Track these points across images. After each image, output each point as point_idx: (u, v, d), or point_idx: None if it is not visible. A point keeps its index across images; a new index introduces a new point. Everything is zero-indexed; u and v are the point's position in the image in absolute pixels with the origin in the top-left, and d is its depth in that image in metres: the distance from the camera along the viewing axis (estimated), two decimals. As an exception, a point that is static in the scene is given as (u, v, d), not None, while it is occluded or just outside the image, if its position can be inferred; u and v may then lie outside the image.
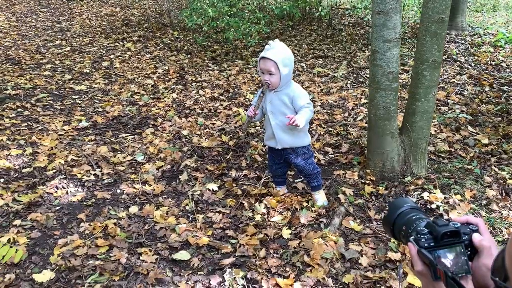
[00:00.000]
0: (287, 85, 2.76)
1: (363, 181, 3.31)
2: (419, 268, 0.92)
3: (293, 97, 2.75)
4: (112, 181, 3.53)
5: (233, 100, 5.21)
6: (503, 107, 4.77)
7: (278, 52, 2.64)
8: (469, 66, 6.30)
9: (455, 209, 2.91)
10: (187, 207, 3.16)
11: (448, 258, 0.90)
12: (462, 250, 0.91)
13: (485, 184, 3.19)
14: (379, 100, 3.12)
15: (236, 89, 5.59)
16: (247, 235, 2.81)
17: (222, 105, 5.06)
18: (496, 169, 3.44)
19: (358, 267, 2.54)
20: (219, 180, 3.49)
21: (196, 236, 2.83)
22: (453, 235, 0.91)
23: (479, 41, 7.53)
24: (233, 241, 2.78)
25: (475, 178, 3.28)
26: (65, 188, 3.39)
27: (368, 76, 6.03)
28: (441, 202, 3.00)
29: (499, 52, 7.05)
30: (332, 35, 8.50)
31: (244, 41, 7.27)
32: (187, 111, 4.95)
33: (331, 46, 7.69)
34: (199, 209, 3.14)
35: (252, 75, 6.17)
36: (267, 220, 2.96)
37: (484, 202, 2.99)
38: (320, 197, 3.07)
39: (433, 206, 2.97)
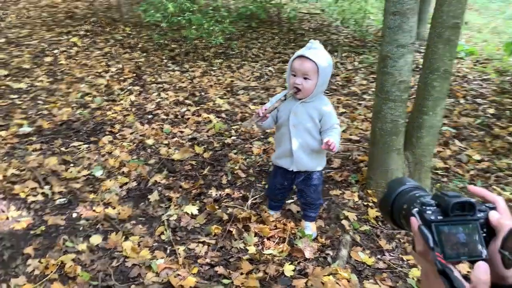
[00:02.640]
0: (319, 97, 2.29)
1: (365, 203, 2.93)
2: (420, 248, 0.74)
3: (324, 114, 2.26)
4: (66, 202, 2.89)
5: (201, 105, 4.67)
6: (483, 120, 4.62)
7: (321, 54, 2.18)
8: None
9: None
10: (162, 236, 2.61)
11: (458, 236, 0.71)
12: (477, 229, 0.72)
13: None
14: (387, 112, 2.75)
15: (202, 93, 5.05)
16: (242, 274, 2.32)
17: (189, 110, 4.51)
18: (498, 188, 3.20)
19: (380, 312, 2.13)
20: (198, 201, 2.97)
21: (179, 275, 2.29)
22: (466, 208, 0.73)
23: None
24: (225, 281, 2.28)
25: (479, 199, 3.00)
26: (4, 212, 2.71)
27: (339, 83, 5.74)
28: (454, 229, 2.68)
29: (462, 64, 7.05)
30: (295, 39, 8.18)
31: (205, 40, 6.75)
32: (149, 117, 4.35)
33: (296, 50, 7.33)
34: (177, 238, 2.60)
35: (218, 77, 5.66)
36: (262, 252, 2.48)
37: (500, 228, 2.70)
38: (311, 228, 2.65)
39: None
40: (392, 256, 2.51)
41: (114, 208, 2.84)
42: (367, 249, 2.56)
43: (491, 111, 5.00)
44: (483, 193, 0.81)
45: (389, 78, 2.67)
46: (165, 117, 4.33)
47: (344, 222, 2.72)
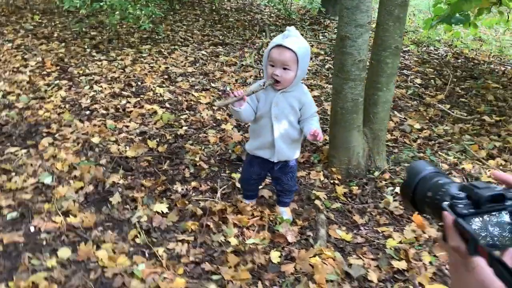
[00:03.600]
0: (297, 85, 2.24)
1: (331, 181, 3.01)
2: (455, 243, 0.71)
3: (305, 103, 2.23)
4: (18, 215, 2.61)
5: (141, 96, 4.44)
6: (414, 90, 4.94)
7: (300, 42, 2.09)
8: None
9: (433, 203, 2.79)
10: (137, 240, 2.47)
11: (490, 227, 0.70)
12: (509, 218, 0.72)
13: (446, 173, 3.16)
14: (347, 92, 2.82)
15: (139, 83, 4.80)
16: (230, 267, 2.28)
17: (130, 102, 4.26)
18: (443, 154, 3.46)
19: (369, 285, 2.23)
20: (165, 198, 2.84)
21: (166, 278, 2.19)
22: (497, 199, 0.72)
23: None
24: (215, 277, 2.23)
25: (433, 166, 3.22)
26: None
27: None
28: (415, 196, 2.86)
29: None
30: (220, 20, 8.05)
31: (129, 25, 6.38)
32: (87, 112, 4.04)
33: (225, 32, 7.23)
34: (154, 240, 2.48)
35: (151, 65, 5.41)
36: (244, 243, 2.45)
37: (455, 191, 2.93)
38: (287, 212, 2.67)
39: (411, 201, 2.80)
40: (367, 229, 2.62)
41: (75, 216, 2.62)
42: (343, 225, 2.65)
43: (418, 81, 5.36)
44: (505, 177, 0.79)
45: (348, 58, 2.72)
46: (105, 111, 4.05)
47: (316, 202, 2.77)
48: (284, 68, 2.09)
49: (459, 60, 6.65)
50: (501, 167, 3.31)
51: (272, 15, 8.72)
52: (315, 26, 7.82)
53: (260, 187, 2.87)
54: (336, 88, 2.87)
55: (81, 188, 2.89)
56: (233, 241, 2.46)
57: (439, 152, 3.48)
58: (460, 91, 5.13)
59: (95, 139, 3.50)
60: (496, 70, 6.23)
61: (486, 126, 4.10)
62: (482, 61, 6.71)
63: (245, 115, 2.19)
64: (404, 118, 4.22)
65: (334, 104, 2.93)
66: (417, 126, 4.01)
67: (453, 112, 4.39)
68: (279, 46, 2.07)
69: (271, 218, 2.61)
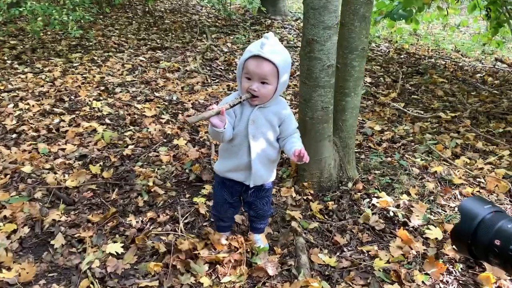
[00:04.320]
0: (276, 100, 1.93)
1: (304, 197, 2.76)
2: None
3: (285, 119, 1.93)
4: None
5: (77, 112, 3.93)
6: (367, 90, 4.84)
7: (280, 51, 1.79)
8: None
9: (413, 213, 2.63)
10: (90, 293, 2.06)
11: None
12: None
13: (418, 177, 3.02)
14: (317, 100, 2.57)
15: (72, 97, 4.27)
16: (206, 316, 1.94)
17: (64, 120, 3.75)
18: (410, 157, 3.33)
19: (366, 318, 1.99)
20: (118, 236, 2.44)
21: None
22: None
23: (304, 25, 7.74)
24: (191, 331, 1.88)
25: (404, 171, 3.08)
26: None
27: (222, 68, 5.45)
28: (393, 207, 2.68)
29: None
30: (155, 23, 7.57)
31: (58, 32, 5.77)
32: (13, 136, 3.50)
33: (162, 35, 6.78)
34: (111, 290, 2.08)
35: (84, 75, 4.87)
36: (219, 282, 2.12)
37: (432, 198, 2.80)
38: (262, 240, 2.36)
39: (390, 214, 2.62)
40: (351, 250, 2.38)
41: (9, 269, 2.15)
42: (324, 248, 2.40)
43: (368, 79, 5.27)
44: None
45: (317, 63, 2.47)
46: (35, 133, 3.52)
47: (293, 224, 2.49)
48: (263, 82, 1.79)
49: (402, 56, 6.70)
50: (467, 166, 3.24)
51: (211, 15, 8.37)
52: (256, 26, 7.58)
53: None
54: (304, 97, 2.61)
55: (14, 231, 2.41)
56: (206, 281, 2.12)
57: (405, 155, 3.34)
58: (410, 87, 5.11)
59: (26, 168, 2.99)
60: (438, 64, 6.34)
61: (444, 123, 4.05)
62: (422, 56, 6.82)
63: (226, 135, 1.85)
64: (363, 120, 4.08)
65: (302, 114, 2.67)
66: (378, 128, 3.88)
67: (409, 110, 4.32)
68: (256, 57, 1.76)
69: (247, 249, 2.30)
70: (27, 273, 2.14)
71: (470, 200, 0.87)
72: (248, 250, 2.29)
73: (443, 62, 6.51)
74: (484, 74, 6.00)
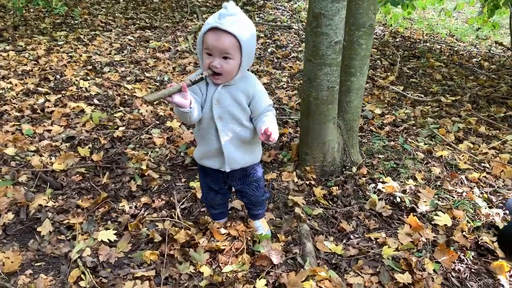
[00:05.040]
0: (243, 76, 1.72)
1: (307, 182, 2.62)
2: None
3: (254, 96, 1.72)
4: None
5: (63, 92, 3.72)
6: (364, 72, 4.70)
7: (241, 23, 1.57)
8: (304, 33, 6.16)
9: (420, 198, 2.52)
10: (82, 283, 1.90)
11: None
12: None
13: (423, 162, 2.91)
14: (323, 79, 2.42)
15: (58, 76, 4.05)
16: (208, 308, 1.81)
17: (49, 100, 3.54)
18: (413, 141, 3.22)
19: (376, 309, 1.88)
20: (110, 222, 2.28)
21: (128, 335, 1.68)
22: None
23: (298, 7, 7.54)
24: (192, 324, 1.75)
25: (408, 155, 2.96)
26: None
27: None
28: (399, 192, 2.57)
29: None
30: (143, 2, 7.29)
31: (41, 9, 5.49)
32: (-5, 116, 3.28)
33: (151, 15, 6.53)
34: (104, 280, 1.92)
35: (70, 54, 4.64)
36: (221, 272, 1.99)
37: (438, 183, 2.69)
38: (263, 226, 2.21)
39: (397, 199, 2.51)
40: (358, 237, 2.26)
41: (-9, 259, 1.98)
42: (330, 235, 2.27)
43: (365, 62, 5.12)
44: None
45: (324, 39, 2.31)
46: (18, 113, 3.31)
47: (296, 210, 2.36)
48: (225, 57, 1.59)
49: (397, 39, 6.58)
50: (471, 151, 3.14)
51: (201, -5, 8.11)
52: (248, 7, 7.36)
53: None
54: (309, 75, 2.45)
55: (-4, 218, 2.23)
56: (206, 270, 1.98)
57: (408, 139, 3.23)
58: (408, 71, 4.99)
59: (9, 150, 2.79)
60: (434, 48, 6.23)
61: (444, 107, 3.95)
62: (417, 39, 6.70)
63: (195, 116, 1.67)
64: (363, 103, 3.94)
65: (306, 94, 2.52)
66: (378, 111, 3.75)
67: (408, 94, 4.20)
68: (214, 29, 1.55)
69: (248, 237, 2.16)
70: (12, 262, 1.97)
71: None
72: (249, 238, 2.16)
73: (439, 46, 6.40)
74: (480, 58, 5.92)
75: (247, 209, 2.22)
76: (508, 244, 0.74)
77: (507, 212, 0.70)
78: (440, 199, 2.55)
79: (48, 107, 3.43)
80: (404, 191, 2.60)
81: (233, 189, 2.08)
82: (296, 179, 2.64)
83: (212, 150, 1.81)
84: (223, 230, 2.14)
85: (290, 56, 5.14)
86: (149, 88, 3.93)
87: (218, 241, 2.12)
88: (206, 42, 1.59)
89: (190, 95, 1.61)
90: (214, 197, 2.08)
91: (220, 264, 2.03)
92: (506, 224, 0.73)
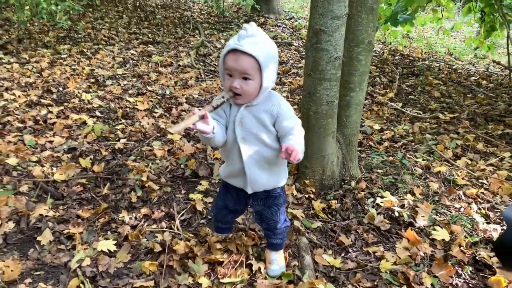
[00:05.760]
0: (267, 96, 1.71)
1: (306, 196, 2.64)
2: None
3: (278, 115, 1.69)
4: None
5: (65, 104, 3.76)
6: (364, 89, 4.76)
7: (261, 44, 1.57)
8: (304, 50, 6.25)
9: (418, 213, 2.54)
10: (80, 293, 1.91)
11: None
12: None
13: (422, 177, 2.93)
14: (322, 93, 2.46)
15: (61, 88, 4.10)
16: (207, 319, 1.81)
17: (51, 112, 3.58)
18: (412, 157, 3.25)
19: (375, 322, 1.88)
20: (110, 233, 2.29)
21: None
22: None
23: (298, 25, 7.65)
24: (190, 335, 1.75)
25: (407, 171, 2.99)
26: None
27: (216, 64, 5.32)
28: (397, 206, 2.59)
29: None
30: (146, 17, 7.40)
31: (45, 23, 5.57)
32: (-2, 127, 3.31)
33: (154, 30, 6.62)
34: (102, 291, 1.93)
35: (73, 67, 4.70)
36: (220, 283, 2.00)
37: (436, 198, 2.71)
38: (278, 260, 2.09)
39: (395, 214, 2.53)
40: (356, 251, 2.28)
41: (-9, 267, 1.99)
42: (329, 248, 2.29)
43: (365, 79, 5.19)
44: None
45: (323, 55, 2.36)
46: (21, 124, 3.34)
47: (295, 223, 2.38)
48: (244, 78, 1.60)
49: (396, 57, 6.66)
50: (469, 167, 3.17)
51: (203, 12, 8.24)
52: (249, 23, 7.46)
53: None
54: (309, 90, 2.50)
55: (-3, 227, 2.25)
56: (205, 281, 1.99)
57: (407, 155, 3.26)
58: (406, 88, 5.05)
59: (11, 160, 2.82)
60: (432, 67, 6.31)
61: (443, 124, 3.99)
62: (416, 58, 6.79)
63: (217, 139, 1.68)
64: (362, 119, 3.99)
65: (306, 108, 2.56)
66: (377, 126, 3.79)
67: (407, 110, 4.25)
68: (234, 51, 1.57)
69: (247, 249, 2.17)
70: (12, 271, 1.98)
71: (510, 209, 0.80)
72: (249, 251, 2.17)
73: (437, 65, 6.48)
74: (478, 77, 5.99)
75: (266, 237, 2.13)
76: (504, 251, 0.76)
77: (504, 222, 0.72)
78: (438, 214, 2.57)
79: (51, 118, 3.47)
80: (402, 206, 2.62)
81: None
82: (295, 192, 2.66)
83: (236, 170, 1.80)
84: (218, 245, 2.14)
85: (290, 72, 5.20)
86: (151, 101, 3.97)
87: (219, 255, 2.13)
88: (227, 64, 1.60)
89: (214, 119, 1.63)
90: (226, 215, 2.07)
91: (219, 276, 2.04)
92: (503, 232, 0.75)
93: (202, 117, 1.53)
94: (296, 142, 1.66)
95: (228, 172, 1.85)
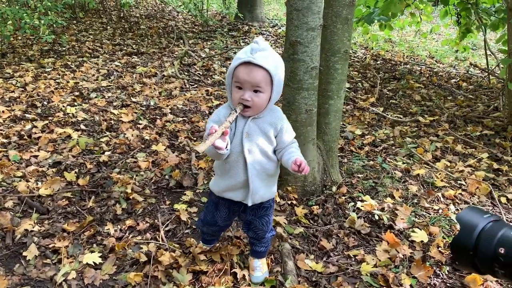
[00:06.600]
0: (271, 109, 1.76)
1: (288, 202, 2.70)
2: None
3: (281, 129, 1.76)
4: None
5: (50, 118, 3.78)
6: (346, 95, 4.84)
7: (272, 58, 1.61)
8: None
9: (398, 216, 2.61)
10: (66, 307, 1.94)
11: None
12: None
13: (401, 180, 3.01)
14: (301, 102, 2.53)
15: (45, 102, 4.12)
16: (191, 328, 1.85)
17: (36, 126, 3.60)
18: (392, 161, 3.33)
19: (355, 324, 1.94)
20: (95, 245, 2.32)
21: None
22: None
23: (282, 32, 7.74)
24: None
25: (387, 174, 3.07)
26: None
27: (200, 73, 5.38)
28: (377, 210, 2.66)
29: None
30: (131, 28, 7.44)
31: (29, 37, 5.58)
32: (-18, 143, 3.32)
33: (138, 41, 6.66)
34: (88, 303, 1.97)
35: (57, 80, 4.72)
36: (204, 291, 2.04)
37: (415, 201, 2.79)
38: (261, 267, 2.14)
39: (375, 217, 2.59)
40: (338, 255, 2.34)
41: (-24, 284, 2.01)
42: (311, 253, 2.34)
43: (347, 85, 5.28)
44: None
45: (300, 65, 2.43)
46: (5, 140, 3.36)
47: (278, 229, 2.43)
48: (255, 91, 1.63)
49: (378, 62, 6.78)
50: (448, 169, 3.25)
51: (187, 21, 8.30)
52: (234, 32, 7.54)
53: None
54: (288, 99, 2.56)
55: (-18, 243, 2.27)
56: (190, 291, 2.03)
57: (387, 159, 3.34)
58: (388, 92, 5.15)
59: (-4, 176, 2.84)
60: (414, 70, 6.43)
61: (423, 127, 4.09)
62: (398, 62, 6.91)
63: (227, 154, 1.72)
64: (343, 124, 4.07)
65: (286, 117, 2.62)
66: (358, 132, 3.87)
67: (388, 114, 4.34)
68: (246, 63, 1.59)
69: (231, 258, 2.22)
70: (-3, 287, 2.00)
71: (467, 211, 0.84)
72: (233, 259, 2.21)
73: (419, 68, 6.61)
74: (458, 79, 6.12)
75: (250, 245, 2.17)
76: (458, 250, 0.83)
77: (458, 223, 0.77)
78: (417, 216, 2.64)
79: (35, 133, 3.49)
80: (382, 209, 2.69)
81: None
82: (278, 199, 2.71)
83: (238, 183, 1.81)
84: (202, 257, 2.18)
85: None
86: (135, 113, 4.01)
87: (204, 265, 2.17)
88: (237, 76, 1.62)
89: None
90: (214, 229, 2.11)
91: (203, 285, 2.08)
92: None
93: (222, 134, 1.55)
94: (300, 155, 1.74)
95: (226, 186, 1.86)
